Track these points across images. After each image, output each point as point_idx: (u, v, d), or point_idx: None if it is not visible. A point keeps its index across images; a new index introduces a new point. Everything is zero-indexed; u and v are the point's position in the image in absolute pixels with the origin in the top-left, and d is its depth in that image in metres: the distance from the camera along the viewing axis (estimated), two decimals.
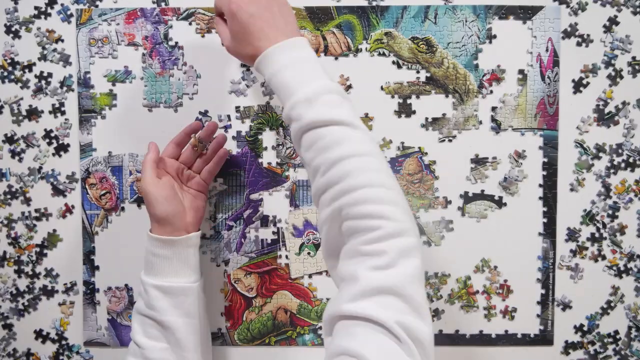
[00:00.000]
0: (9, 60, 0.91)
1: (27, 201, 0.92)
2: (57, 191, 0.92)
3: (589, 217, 0.92)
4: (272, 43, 0.65)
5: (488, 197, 0.92)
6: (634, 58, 0.90)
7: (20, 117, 0.92)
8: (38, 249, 0.92)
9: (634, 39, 0.90)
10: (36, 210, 0.92)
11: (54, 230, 0.93)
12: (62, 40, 0.92)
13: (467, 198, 0.92)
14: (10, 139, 0.92)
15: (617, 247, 0.92)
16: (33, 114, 0.92)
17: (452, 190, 0.91)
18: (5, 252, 0.93)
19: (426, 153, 0.91)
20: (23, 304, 0.93)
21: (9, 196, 0.92)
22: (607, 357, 0.92)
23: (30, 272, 0.93)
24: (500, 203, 0.91)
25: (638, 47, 0.90)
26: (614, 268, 0.91)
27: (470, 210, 0.92)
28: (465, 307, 0.92)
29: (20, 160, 0.92)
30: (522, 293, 0.92)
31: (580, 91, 0.91)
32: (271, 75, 0.65)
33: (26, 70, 0.91)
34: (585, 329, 0.92)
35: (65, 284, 0.93)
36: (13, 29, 0.91)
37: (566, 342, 0.92)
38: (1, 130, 0.92)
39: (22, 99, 0.91)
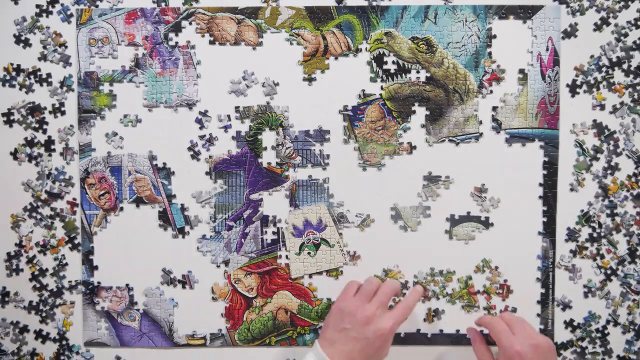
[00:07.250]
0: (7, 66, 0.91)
1: (38, 201, 0.93)
2: (53, 195, 0.92)
3: (584, 219, 0.92)
4: None
5: (474, 219, 0.92)
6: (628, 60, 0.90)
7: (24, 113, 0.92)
8: (70, 245, 0.93)
9: (626, 43, 0.90)
10: (52, 209, 0.93)
11: (63, 219, 0.93)
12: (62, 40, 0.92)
13: (454, 221, 0.92)
14: (30, 142, 0.92)
15: (612, 247, 0.91)
16: (36, 110, 0.92)
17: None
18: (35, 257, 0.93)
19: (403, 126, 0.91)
20: (46, 310, 0.93)
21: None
22: (595, 353, 0.92)
23: (52, 272, 0.93)
24: (487, 224, 0.92)
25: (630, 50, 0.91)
26: (602, 270, 0.92)
27: (457, 233, 0.92)
28: (466, 307, 0.92)
29: (37, 164, 0.92)
30: (522, 293, 0.92)
31: (578, 92, 0.91)
32: None
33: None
34: (575, 324, 0.92)
35: (70, 282, 0.93)
36: (23, 39, 0.91)
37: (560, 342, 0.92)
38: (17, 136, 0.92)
39: (32, 103, 0.91)
